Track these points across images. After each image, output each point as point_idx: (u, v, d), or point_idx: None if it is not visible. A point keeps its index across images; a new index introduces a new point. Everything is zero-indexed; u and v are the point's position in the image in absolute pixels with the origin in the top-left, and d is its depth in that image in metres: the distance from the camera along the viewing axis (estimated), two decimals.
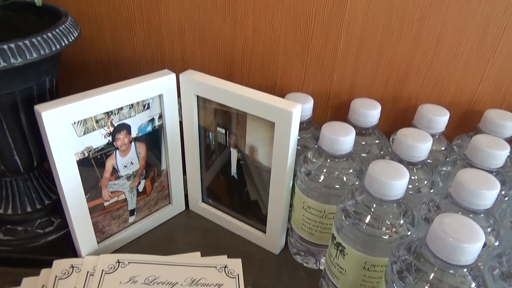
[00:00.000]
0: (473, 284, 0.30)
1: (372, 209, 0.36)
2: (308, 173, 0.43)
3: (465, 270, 0.30)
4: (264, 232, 0.50)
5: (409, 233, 0.36)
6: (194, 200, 0.55)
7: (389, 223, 0.36)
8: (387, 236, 0.36)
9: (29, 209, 0.47)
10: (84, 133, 0.41)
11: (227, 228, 0.54)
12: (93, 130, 0.41)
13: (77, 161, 0.41)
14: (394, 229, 0.36)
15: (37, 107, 0.37)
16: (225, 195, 0.53)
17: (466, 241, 0.28)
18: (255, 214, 0.51)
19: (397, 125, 0.42)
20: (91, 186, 0.44)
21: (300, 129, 0.44)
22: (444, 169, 0.45)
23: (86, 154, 0.42)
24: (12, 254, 0.46)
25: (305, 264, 0.49)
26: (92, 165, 0.43)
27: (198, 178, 0.53)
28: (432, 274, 0.30)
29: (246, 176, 0.49)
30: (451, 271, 0.30)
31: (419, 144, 0.40)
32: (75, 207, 0.43)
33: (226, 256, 0.49)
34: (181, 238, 0.53)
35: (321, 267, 0.48)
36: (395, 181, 0.34)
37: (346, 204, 0.38)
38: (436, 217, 0.30)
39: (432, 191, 0.42)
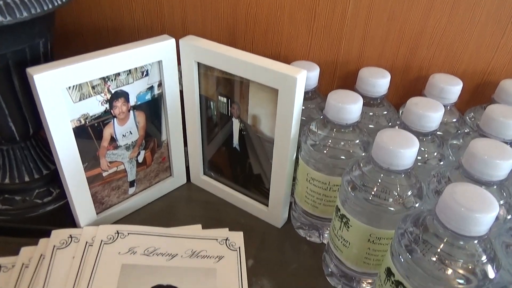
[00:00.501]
0: (484, 257, 0.29)
1: (379, 180, 0.35)
2: (313, 144, 0.41)
3: (475, 242, 0.29)
4: (267, 205, 0.49)
5: (416, 205, 0.35)
6: (196, 173, 0.54)
7: (396, 194, 0.34)
8: (394, 208, 0.34)
9: (26, 179, 0.46)
10: (80, 99, 0.39)
11: (229, 201, 0.52)
12: (89, 97, 0.40)
13: (73, 129, 0.40)
14: (401, 201, 0.34)
15: (30, 70, 0.35)
16: (227, 167, 0.52)
17: (479, 211, 0.26)
18: (257, 187, 0.50)
19: (406, 97, 0.40)
20: (89, 156, 0.43)
21: (305, 99, 0.42)
22: (455, 142, 0.43)
23: (83, 122, 0.40)
24: (10, 224, 0.45)
25: (308, 238, 0.48)
26: (89, 133, 0.41)
27: (200, 149, 0.51)
28: (441, 246, 0.29)
29: (249, 148, 0.47)
30: (461, 243, 0.28)
31: (430, 113, 0.38)
32: (73, 176, 0.42)
33: (227, 229, 0.48)
34: (182, 210, 0.52)
35: (324, 241, 0.47)
36: (404, 150, 0.33)
37: (352, 175, 0.36)
38: (447, 187, 0.28)
39: (441, 163, 0.40)
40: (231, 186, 0.52)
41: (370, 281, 0.41)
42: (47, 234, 0.43)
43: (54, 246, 0.42)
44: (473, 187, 0.29)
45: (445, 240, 0.29)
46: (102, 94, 0.41)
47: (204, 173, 0.54)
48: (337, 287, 0.42)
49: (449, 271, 0.28)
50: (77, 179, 0.42)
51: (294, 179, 0.47)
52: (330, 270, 0.43)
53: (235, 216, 0.51)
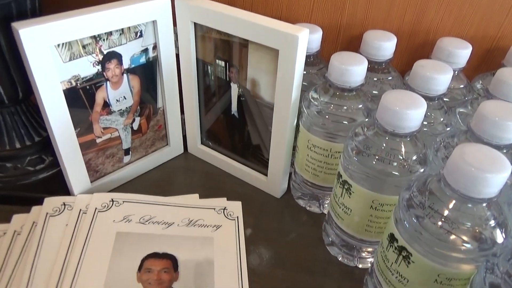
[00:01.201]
0: (492, 221, 0.27)
1: (384, 145, 0.33)
2: (315, 109, 0.39)
3: (484, 205, 0.27)
4: (266, 175, 0.48)
5: (421, 170, 0.33)
6: (193, 142, 0.52)
7: (401, 158, 0.33)
8: (398, 172, 0.33)
9: (18, 145, 0.45)
10: (70, 59, 0.37)
11: (227, 171, 0.51)
12: (79, 57, 0.38)
13: (63, 91, 0.38)
14: (406, 166, 0.33)
15: (15, 25, 0.33)
16: (225, 136, 0.50)
17: (490, 171, 0.25)
18: (256, 156, 0.48)
19: (412, 64, 0.38)
20: (81, 120, 0.41)
21: (307, 64, 0.40)
22: (462, 110, 0.42)
23: (74, 84, 0.39)
24: (1, 191, 0.44)
25: (308, 208, 0.47)
26: (80, 96, 0.40)
27: (197, 117, 0.49)
28: (448, 210, 0.27)
29: (247, 115, 0.46)
30: (469, 206, 0.27)
31: (438, 75, 0.36)
32: (64, 141, 0.40)
33: (225, 198, 0.47)
34: (179, 180, 0.51)
35: (325, 211, 0.46)
36: (410, 111, 0.31)
37: (355, 139, 0.35)
38: (457, 147, 0.27)
39: (448, 129, 0.39)
40: (229, 156, 0.51)
41: (370, 249, 0.40)
42: (40, 202, 0.42)
43: (47, 213, 0.41)
44: (483, 147, 0.27)
45: (452, 204, 0.27)
46: (94, 55, 0.39)
47: (202, 143, 0.53)
48: (337, 256, 0.41)
49: (456, 235, 0.27)
50: (69, 144, 0.41)
51: (294, 148, 0.45)
52: (330, 239, 0.42)
53: (233, 186, 0.50)
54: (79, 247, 0.38)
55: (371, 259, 0.40)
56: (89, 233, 0.40)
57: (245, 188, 0.49)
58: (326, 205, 0.46)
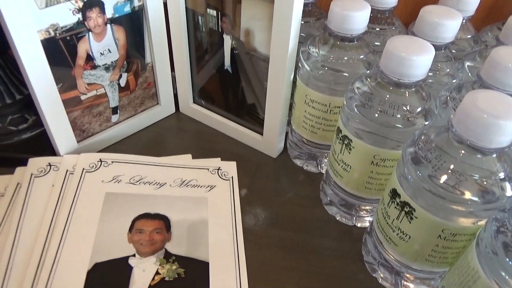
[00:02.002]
0: (502, 174, 0.26)
1: (387, 95, 0.31)
2: (313, 61, 0.37)
3: (494, 156, 0.25)
4: (261, 134, 0.45)
5: (426, 123, 0.31)
6: (185, 101, 0.50)
7: (406, 110, 0.31)
8: (402, 125, 0.31)
9: None
10: (46, 5, 0.34)
11: (221, 131, 0.49)
12: (57, 3, 0.35)
13: (41, 41, 0.35)
14: (410, 118, 0.31)
15: None
16: (218, 94, 0.47)
17: (504, 117, 0.23)
18: (251, 114, 0.46)
19: (417, 14, 0.35)
20: (63, 75, 0.38)
21: (304, 14, 0.37)
22: (470, 63, 0.39)
23: (52, 33, 0.36)
24: None
25: (305, 168, 0.45)
26: (60, 47, 0.37)
27: (188, 73, 0.47)
28: (456, 161, 0.26)
29: (241, 70, 0.43)
30: (479, 156, 0.25)
31: (447, 21, 0.33)
32: (46, 97, 0.37)
33: (219, 158, 0.45)
34: (170, 141, 0.49)
35: (322, 171, 0.45)
36: (417, 57, 0.28)
37: (356, 91, 0.33)
38: (468, 93, 0.25)
39: (454, 81, 0.37)
40: (223, 115, 0.48)
41: (369, 207, 0.38)
42: (24, 163, 0.40)
43: (32, 174, 0.39)
44: (497, 93, 0.25)
45: (460, 155, 0.26)
46: (73, 1, 0.35)
47: (194, 101, 0.50)
48: (335, 216, 0.40)
49: (463, 189, 0.25)
50: (51, 101, 0.38)
51: (291, 105, 0.43)
52: (328, 199, 0.40)
53: (228, 146, 0.48)
54: (67, 208, 0.37)
55: (369, 218, 0.39)
56: (76, 193, 0.38)
57: (239, 148, 0.47)
58: (323, 165, 0.44)
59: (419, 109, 0.31)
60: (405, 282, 0.33)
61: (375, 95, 0.31)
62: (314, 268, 0.36)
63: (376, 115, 0.31)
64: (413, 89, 0.31)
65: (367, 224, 0.39)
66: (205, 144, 0.48)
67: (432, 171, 0.26)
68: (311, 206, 0.41)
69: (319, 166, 0.45)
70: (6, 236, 0.34)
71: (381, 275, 0.35)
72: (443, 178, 0.26)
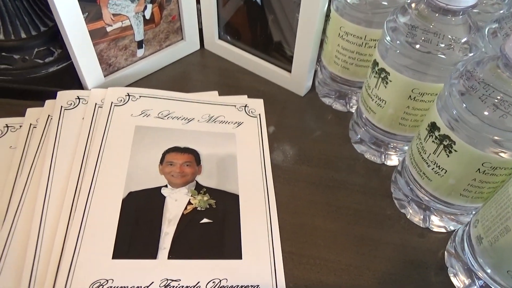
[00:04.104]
0: None
1: (432, 23, 0.29)
2: None
3: None
4: (289, 71, 0.44)
5: (471, 54, 0.30)
6: (210, 37, 0.48)
7: (451, 38, 0.29)
8: (446, 56, 0.29)
9: (23, 35, 0.41)
10: None
11: (247, 68, 0.48)
12: None
13: None
14: (455, 48, 0.29)
15: None
16: (245, 29, 0.46)
17: None
18: (279, 51, 0.45)
19: None
20: (88, 4, 0.37)
21: None
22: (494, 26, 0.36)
23: None
24: (12, 84, 0.42)
25: (333, 106, 0.44)
26: None
27: (214, 5, 0.45)
28: (506, 90, 0.24)
29: (272, 1, 0.41)
30: None
31: None
32: (73, 25, 0.37)
33: (246, 96, 0.44)
34: (196, 77, 0.48)
35: (352, 110, 0.44)
36: None
37: (398, 20, 0.31)
38: None
39: (502, 12, 0.34)
40: (250, 52, 0.47)
41: (401, 145, 0.38)
42: (53, 96, 0.40)
43: (62, 106, 0.39)
44: None
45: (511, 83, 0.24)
46: None
47: (220, 37, 0.48)
48: (364, 154, 0.40)
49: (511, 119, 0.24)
50: (78, 30, 0.37)
51: (322, 42, 0.41)
52: (358, 136, 0.40)
53: (254, 84, 0.47)
54: (98, 139, 0.37)
55: (398, 157, 0.39)
56: (107, 126, 0.38)
57: (266, 86, 0.46)
58: (352, 104, 0.43)
59: (464, 39, 0.29)
60: (433, 217, 0.33)
61: (419, 24, 0.30)
62: (342, 202, 0.36)
63: (419, 45, 0.29)
64: (460, 17, 0.29)
65: (396, 162, 0.39)
66: (231, 81, 0.47)
67: (478, 101, 0.25)
68: (339, 144, 0.41)
69: (348, 105, 0.44)
70: (42, 164, 0.35)
71: (410, 211, 0.35)
72: (490, 109, 0.25)
